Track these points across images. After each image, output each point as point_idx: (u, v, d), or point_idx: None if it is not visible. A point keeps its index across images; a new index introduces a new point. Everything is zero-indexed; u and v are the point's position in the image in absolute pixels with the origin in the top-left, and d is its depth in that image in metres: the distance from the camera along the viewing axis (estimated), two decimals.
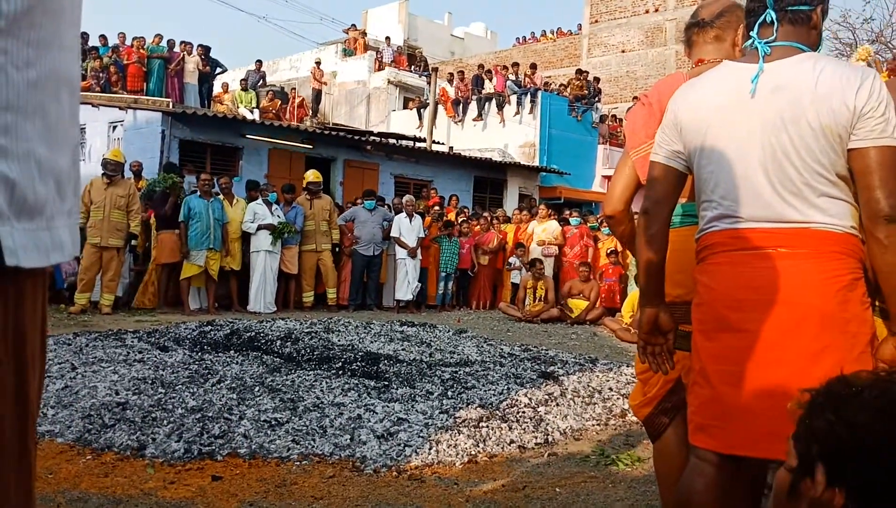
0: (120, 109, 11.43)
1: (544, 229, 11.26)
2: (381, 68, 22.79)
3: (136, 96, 13.16)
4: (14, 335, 0.68)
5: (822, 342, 1.50)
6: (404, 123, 19.82)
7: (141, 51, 14.69)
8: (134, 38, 15.09)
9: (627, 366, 5.81)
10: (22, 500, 0.75)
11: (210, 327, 6.67)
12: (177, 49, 15.38)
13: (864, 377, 0.85)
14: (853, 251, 1.56)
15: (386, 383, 4.65)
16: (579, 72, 19.60)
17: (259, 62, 18.65)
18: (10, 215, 0.62)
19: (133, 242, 8.41)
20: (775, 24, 1.64)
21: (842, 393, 0.83)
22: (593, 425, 4.05)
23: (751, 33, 1.68)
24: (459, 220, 11.23)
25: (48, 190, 0.68)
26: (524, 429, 3.79)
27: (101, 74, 13.88)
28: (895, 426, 0.76)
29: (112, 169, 7.89)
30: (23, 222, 0.64)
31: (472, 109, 18.79)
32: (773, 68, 1.60)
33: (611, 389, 4.91)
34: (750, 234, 1.60)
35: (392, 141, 14.61)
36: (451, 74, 20.00)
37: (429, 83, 18.16)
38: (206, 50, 15.83)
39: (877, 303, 1.60)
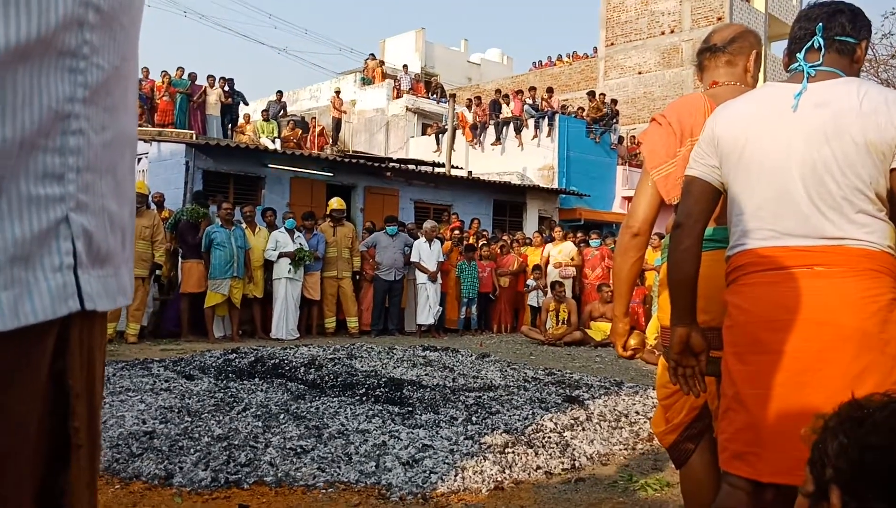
0: (145, 141, 11.68)
1: (560, 251, 11.23)
2: (399, 96, 23.06)
3: (160, 129, 13.45)
4: (87, 370, 0.74)
5: (861, 364, 1.47)
6: (423, 149, 19.99)
7: (171, 87, 15.05)
8: (162, 73, 15.47)
9: (653, 389, 5.73)
10: None
11: (234, 354, 6.73)
12: (200, 81, 15.73)
13: (876, 400, 0.85)
14: (890, 270, 1.54)
15: (410, 409, 4.64)
16: (591, 94, 19.66)
17: (280, 93, 18.98)
18: (87, 263, 0.69)
19: (157, 271, 8.54)
20: (822, 50, 1.65)
21: (854, 416, 0.83)
22: (620, 449, 4.00)
23: (797, 55, 1.69)
24: (479, 243, 11.25)
25: (116, 241, 0.74)
26: (550, 454, 3.75)
27: None
28: None
29: (137, 201, 8.01)
30: (96, 270, 0.70)
31: (490, 133, 18.91)
32: (817, 88, 1.61)
33: (637, 413, 4.85)
34: (785, 252, 1.57)
35: (411, 167, 14.73)
36: (469, 100, 20.17)
37: (447, 109, 18.33)
38: (228, 82, 16.17)
39: None
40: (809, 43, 1.67)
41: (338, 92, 20.46)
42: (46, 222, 0.64)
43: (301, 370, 5.87)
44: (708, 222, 1.76)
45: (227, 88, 16.00)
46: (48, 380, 0.68)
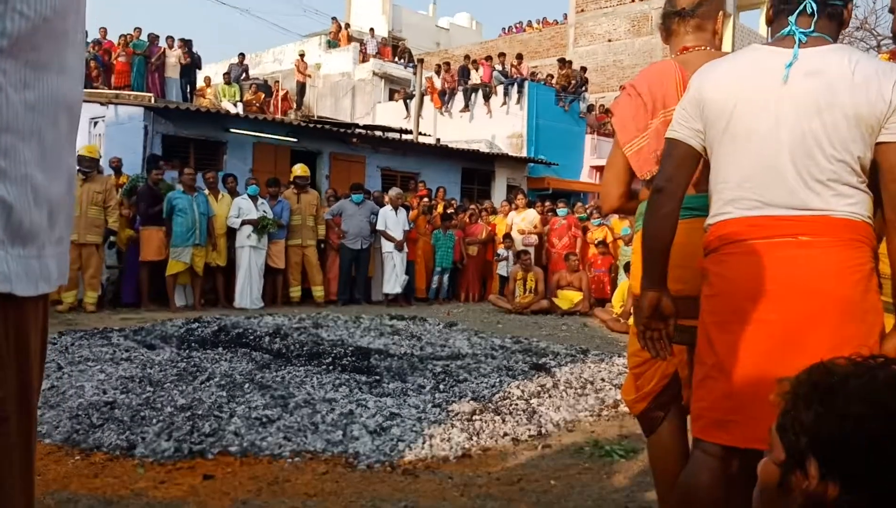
0: (101, 104, 11.26)
1: (523, 219, 11.27)
2: (365, 60, 22.64)
3: (118, 91, 12.99)
4: (16, 338, 0.68)
5: (844, 332, 1.48)
6: (390, 115, 19.71)
7: (128, 48, 14.52)
8: (121, 36, 14.93)
9: (619, 356, 5.82)
10: (26, 500, 0.76)
11: (197, 323, 6.61)
12: (161, 43, 15.21)
13: (843, 364, 0.84)
14: (870, 240, 1.56)
15: (377, 377, 4.62)
16: (562, 61, 19.57)
17: (242, 55, 18.46)
18: (4, 239, 0.60)
19: (112, 238, 8.30)
20: (815, 15, 1.62)
21: (826, 383, 0.82)
22: (586, 416, 4.05)
23: (789, 19, 1.65)
24: (447, 212, 11.20)
25: (42, 217, 0.65)
26: (517, 422, 3.78)
27: None
28: (885, 415, 0.75)
29: (87, 165, 7.75)
30: (16, 249, 0.62)
31: (459, 100, 18.72)
32: (808, 55, 1.59)
33: (603, 380, 4.91)
34: (769, 222, 1.57)
35: (378, 133, 14.53)
36: (438, 66, 19.91)
37: (414, 74, 18.07)
38: (187, 44, 15.65)
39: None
40: (801, 7, 1.63)
41: (302, 55, 19.99)
42: None
43: (266, 340, 5.80)
44: (687, 188, 1.74)
45: (185, 50, 15.49)
46: None
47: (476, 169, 15.94)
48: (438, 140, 16.59)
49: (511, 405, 4.08)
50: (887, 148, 1.52)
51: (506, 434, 3.58)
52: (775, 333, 1.52)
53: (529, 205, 11.75)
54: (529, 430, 3.68)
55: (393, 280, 9.87)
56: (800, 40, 1.60)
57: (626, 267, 8.52)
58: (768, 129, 1.58)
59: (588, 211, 12.27)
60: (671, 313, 1.72)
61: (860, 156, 1.53)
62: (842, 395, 0.79)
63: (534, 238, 11.11)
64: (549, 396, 4.36)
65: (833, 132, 1.52)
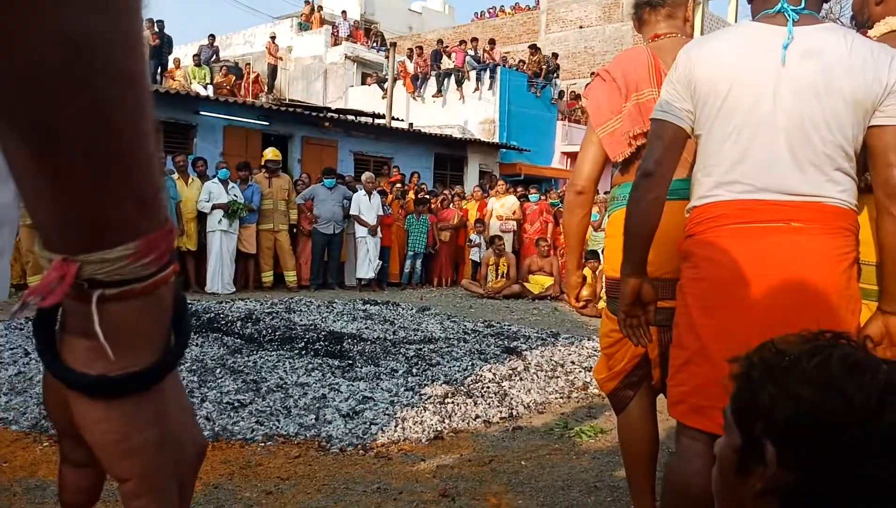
0: None
1: (502, 205, 11.30)
2: (337, 43, 22.38)
3: None
4: None
5: (829, 320, 1.46)
6: (362, 99, 19.54)
7: None
8: None
9: (588, 340, 5.90)
10: None
11: None
12: None
13: (793, 343, 0.81)
14: (856, 228, 1.55)
15: (350, 362, 4.63)
16: (533, 48, 19.57)
17: (212, 37, 18.11)
18: None
19: None
20: None
21: (778, 363, 0.79)
22: (556, 398, 4.11)
23: None
24: (421, 197, 11.18)
25: None
26: (489, 404, 3.82)
27: None
28: (839, 396, 0.73)
29: None
30: None
31: (432, 84, 18.63)
32: (802, 35, 1.53)
33: (573, 363, 4.98)
34: (762, 206, 1.53)
35: (351, 118, 14.41)
36: (410, 50, 19.77)
37: (387, 58, 17.92)
38: (158, 24, 15.32)
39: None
40: None
41: (273, 37, 19.68)
42: None
43: (238, 325, 5.76)
44: (675, 170, 1.66)
45: (156, 31, 15.15)
46: None
47: (449, 155, 15.91)
48: (411, 125, 16.51)
49: (483, 387, 4.13)
50: (881, 131, 1.50)
51: (477, 417, 3.62)
52: (762, 319, 1.49)
53: (509, 191, 11.75)
54: (501, 412, 3.73)
55: (366, 265, 9.85)
56: (792, 18, 1.55)
57: (592, 253, 8.56)
58: (764, 112, 1.53)
59: (560, 197, 12.35)
60: (652, 300, 1.69)
61: (854, 140, 1.52)
62: (795, 376, 0.76)
63: (512, 224, 11.14)
64: (521, 379, 4.41)
65: (831, 116, 1.50)
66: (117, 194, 0.38)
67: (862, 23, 1.95)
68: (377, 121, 15.20)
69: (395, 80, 16.88)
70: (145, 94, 0.39)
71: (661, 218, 1.64)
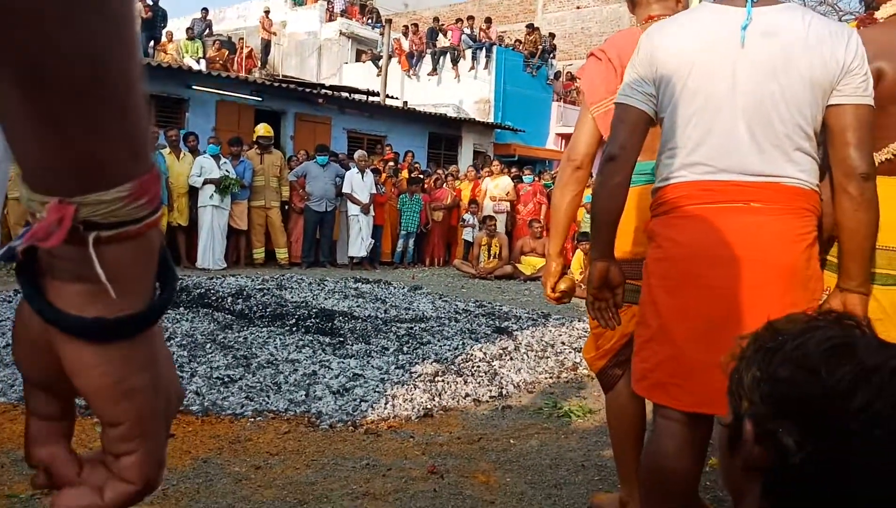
0: None
1: (496, 185, 11.27)
2: (332, 19, 22.10)
3: None
4: None
5: (789, 299, 1.48)
6: (357, 76, 19.37)
7: None
8: None
9: (579, 321, 5.92)
10: None
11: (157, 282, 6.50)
12: None
13: (793, 322, 0.82)
14: (816, 209, 1.56)
15: (341, 339, 4.63)
16: (530, 27, 19.41)
17: (205, 10, 17.83)
18: None
19: None
20: None
21: (768, 345, 0.80)
22: (546, 378, 4.13)
23: None
24: (415, 176, 11.14)
25: None
26: (479, 383, 3.84)
27: None
28: (813, 378, 0.73)
29: None
30: None
31: (427, 63, 18.47)
32: (762, 15, 1.54)
33: (563, 343, 5.00)
34: (723, 186, 1.55)
35: (345, 95, 14.29)
36: (406, 27, 19.58)
37: (382, 35, 17.74)
38: None
39: (826, 257, 1.63)
40: None
41: (267, 12, 19.43)
42: None
43: (228, 300, 5.75)
44: (638, 155, 1.68)
45: (149, 3, 14.92)
46: None
47: (443, 134, 15.82)
48: (406, 103, 16.39)
49: (473, 367, 4.14)
50: (838, 110, 1.51)
51: (467, 395, 3.64)
52: (723, 299, 1.51)
53: (503, 172, 11.72)
54: (490, 391, 3.75)
55: (359, 243, 9.83)
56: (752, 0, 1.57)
57: (584, 235, 8.59)
58: (724, 93, 1.54)
59: (554, 177, 12.33)
60: (619, 284, 1.71)
61: (813, 120, 1.53)
62: (777, 358, 0.78)
63: (505, 205, 11.13)
64: (511, 358, 4.43)
65: (790, 95, 1.51)
66: (110, 135, 0.38)
67: (869, 3, 1.94)
68: (371, 98, 15.07)
69: (390, 57, 16.71)
70: (135, 38, 0.39)
71: (625, 202, 1.67)
